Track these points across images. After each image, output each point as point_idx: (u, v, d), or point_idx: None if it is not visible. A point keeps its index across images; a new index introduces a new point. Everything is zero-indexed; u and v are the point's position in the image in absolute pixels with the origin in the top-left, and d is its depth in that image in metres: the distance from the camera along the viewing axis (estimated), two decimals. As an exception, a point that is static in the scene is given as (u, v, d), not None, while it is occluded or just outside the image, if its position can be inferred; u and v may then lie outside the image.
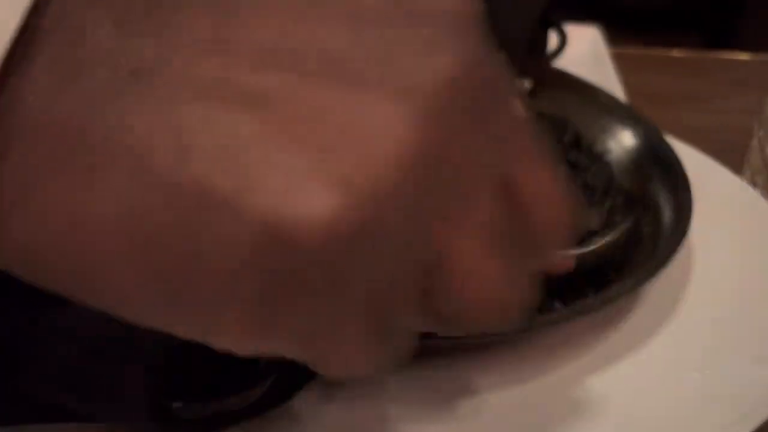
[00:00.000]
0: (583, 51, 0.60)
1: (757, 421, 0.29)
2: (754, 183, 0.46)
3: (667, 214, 0.37)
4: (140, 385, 0.21)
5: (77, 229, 0.15)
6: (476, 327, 0.20)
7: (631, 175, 0.42)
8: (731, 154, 0.47)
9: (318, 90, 0.16)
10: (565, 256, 0.27)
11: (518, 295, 0.19)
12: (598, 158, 0.45)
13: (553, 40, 0.56)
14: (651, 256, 0.34)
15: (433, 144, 0.16)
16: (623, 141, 0.44)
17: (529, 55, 0.54)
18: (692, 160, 0.41)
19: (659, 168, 0.40)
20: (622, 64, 0.68)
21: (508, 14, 0.55)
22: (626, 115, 0.45)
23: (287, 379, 0.27)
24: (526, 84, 0.50)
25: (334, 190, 0.15)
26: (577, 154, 0.45)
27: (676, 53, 0.79)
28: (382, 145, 0.15)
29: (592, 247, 0.35)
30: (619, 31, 0.74)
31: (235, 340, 0.17)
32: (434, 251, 0.17)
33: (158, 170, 0.15)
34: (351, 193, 0.15)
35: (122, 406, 0.21)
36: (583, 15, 0.64)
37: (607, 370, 0.32)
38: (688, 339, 0.33)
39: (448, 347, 0.32)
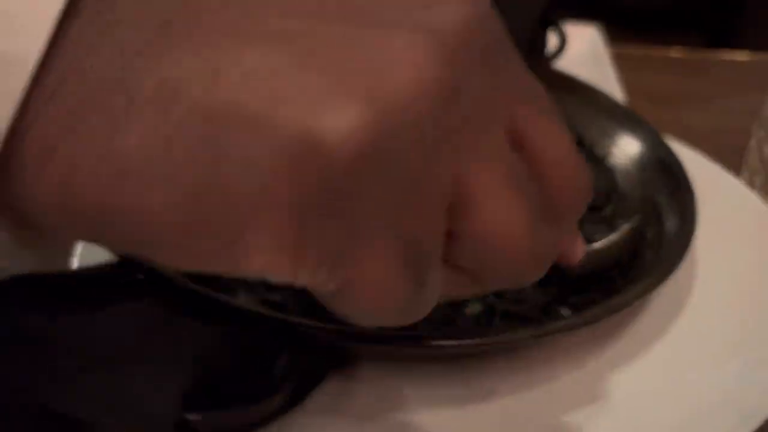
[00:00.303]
0: (583, 51, 0.61)
1: (756, 424, 0.29)
2: (752, 184, 0.47)
3: (670, 218, 0.37)
4: (162, 399, 0.21)
5: (114, 161, 0.16)
6: (501, 281, 0.21)
7: (633, 180, 0.42)
8: (730, 155, 0.47)
9: (341, 28, 0.17)
10: (578, 244, 0.26)
11: (542, 249, 0.20)
12: (600, 161, 0.45)
13: (552, 40, 0.56)
14: (657, 261, 0.34)
15: (450, 75, 0.17)
16: (624, 145, 0.44)
17: (529, 56, 0.55)
18: (691, 162, 0.41)
19: (661, 172, 0.41)
20: (622, 64, 0.68)
21: (508, 14, 0.56)
22: (627, 118, 0.45)
23: (302, 385, 0.27)
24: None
25: (361, 103, 0.16)
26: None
27: (675, 53, 0.80)
28: (403, 69, 0.17)
29: (595, 246, 0.36)
30: (619, 30, 0.74)
31: (269, 262, 0.17)
32: (455, 181, 0.18)
33: (190, 100, 0.16)
34: (375, 106, 0.16)
35: (141, 420, 0.22)
36: (582, 14, 0.64)
37: (612, 375, 0.32)
38: (692, 342, 0.34)
39: (456, 353, 0.32)
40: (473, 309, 0.34)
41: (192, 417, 0.22)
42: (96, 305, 0.25)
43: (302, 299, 0.33)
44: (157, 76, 0.16)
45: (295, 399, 0.27)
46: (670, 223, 0.37)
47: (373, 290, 0.18)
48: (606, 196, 0.42)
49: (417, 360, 0.32)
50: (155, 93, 0.16)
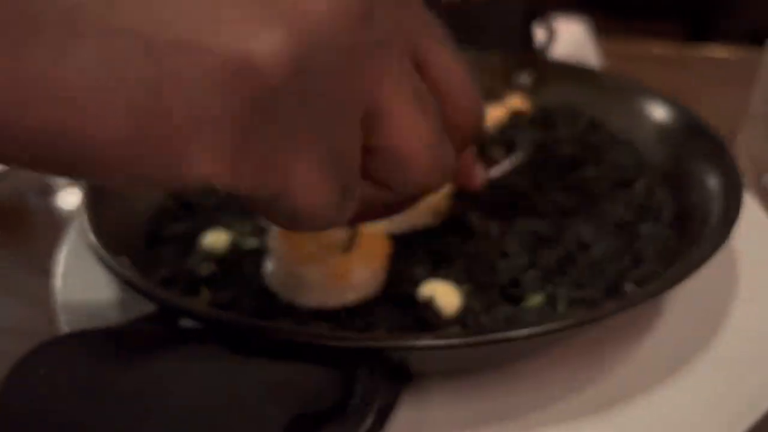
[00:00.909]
0: (569, 46, 0.60)
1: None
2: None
3: (711, 179, 0.36)
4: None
5: (55, 86, 0.17)
6: (409, 188, 0.23)
7: (663, 152, 0.41)
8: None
9: None
10: (478, 169, 0.32)
11: (442, 161, 0.23)
12: (619, 139, 0.44)
13: (540, 34, 0.56)
14: (710, 227, 0.33)
15: (362, 3, 0.20)
16: (644, 118, 0.43)
17: (522, 49, 0.54)
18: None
19: (690, 137, 0.40)
20: (607, 60, 0.68)
21: (497, 9, 0.56)
22: (641, 93, 0.44)
23: (382, 409, 0.25)
24: (526, 78, 0.49)
25: (284, 27, 0.18)
26: (597, 136, 0.44)
27: (657, 49, 0.81)
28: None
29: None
30: (601, 20, 0.75)
31: (210, 171, 0.19)
32: (369, 96, 0.21)
33: (131, 28, 0.17)
34: (297, 28, 0.18)
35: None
36: (565, 5, 0.64)
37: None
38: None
39: (524, 347, 0.30)
40: (534, 301, 0.32)
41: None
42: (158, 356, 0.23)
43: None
44: (101, 5, 0.17)
45: (378, 424, 0.25)
46: (713, 183, 0.36)
47: (304, 195, 0.20)
48: (635, 171, 0.41)
49: (486, 366, 0.31)
50: (97, 19, 0.17)
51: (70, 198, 0.48)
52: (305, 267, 0.33)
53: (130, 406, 0.20)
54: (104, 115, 0.17)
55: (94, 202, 0.35)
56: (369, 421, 0.22)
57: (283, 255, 0.33)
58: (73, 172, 0.19)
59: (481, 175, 0.33)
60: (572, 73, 0.48)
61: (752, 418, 0.28)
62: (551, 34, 0.55)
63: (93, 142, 0.18)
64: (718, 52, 0.81)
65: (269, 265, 0.34)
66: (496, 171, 0.41)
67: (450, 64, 0.24)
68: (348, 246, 0.33)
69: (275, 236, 0.34)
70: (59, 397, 0.20)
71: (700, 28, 0.87)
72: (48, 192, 0.49)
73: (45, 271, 0.36)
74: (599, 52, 0.68)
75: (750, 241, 0.37)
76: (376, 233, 0.34)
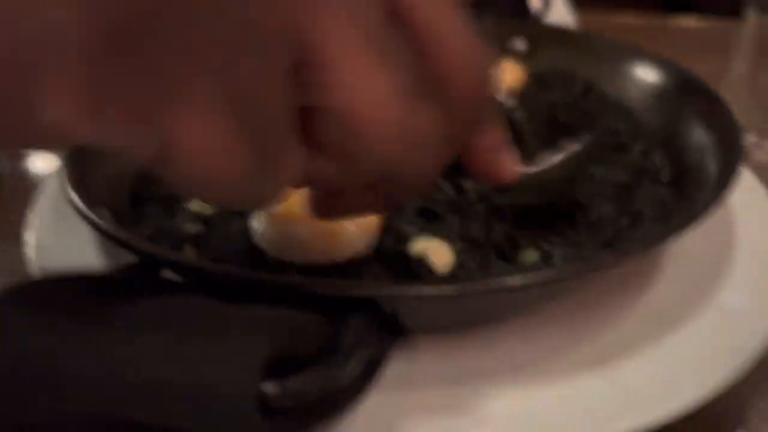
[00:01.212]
0: (551, 17, 0.59)
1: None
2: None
3: (711, 134, 0.35)
4: (237, 373, 0.18)
5: None
6: (371, 163, 0.18)
7: (658, 114, 0.41)
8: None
9: None
10: (505, 160, 0.24)
11: (420, 130, 0.18)
12: (615, 103, 0.43)
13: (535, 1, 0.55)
14: (708, 181, 0.32)
15: None
16: (639, 81, 0.42)
17: (516, 15, 0.53)
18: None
19: (687, 94, 0.39)
20: (584, 30, 0.68)
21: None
22: (637, 55, 0.43)
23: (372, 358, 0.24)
24: (521, 44, 0.48)
25: None
26: (591, 103, 0.44)
27: (632, 19, 0.81)
28: None
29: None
30: None
31: (62, 115, 0.15)
32: (301, 36, 0.16)
33: None
34: None
35: (219, 402, 0.18)
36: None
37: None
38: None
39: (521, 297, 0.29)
40: (528, 258, 0.31)
41: (270, 390, 0.19)
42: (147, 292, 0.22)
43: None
44: None
45: (368, 374, 0.24)
46: (710, 141, 0.35)
47: (203, 156, 0.16)
48: (631, 134, 0.40)
49: (480, 321, 0.30)
50: None
51: (40, 163, 0.47)
52: (294, 224, 0.32)
53: (110, 345, 0.19)
54: None
55: (75, 160, 0.34)
56: (356, 369, 0.21)
57: (271, 212, 0.32)
58: None
59: (512, 166, 0.25)
60: (567, 38, 0.47)
61: (745, 363, 0.28)
62: (548, 1, 0.54)
63: None
64: (693, 22, 0.81)
65: (257, 223, 0.33)
66: (538, 164, 0.32)
67: (439, 8, 0.19)
68: None
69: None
70: (35, 335, 0.19)
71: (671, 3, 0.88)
72: (17, 157, 0.47)
73: (16, 238, 0.35)
74: (577, 22, 0.67)
75: (741, 201, 0.36)
76: None
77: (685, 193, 0.34)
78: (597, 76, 0.45)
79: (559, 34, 0.48)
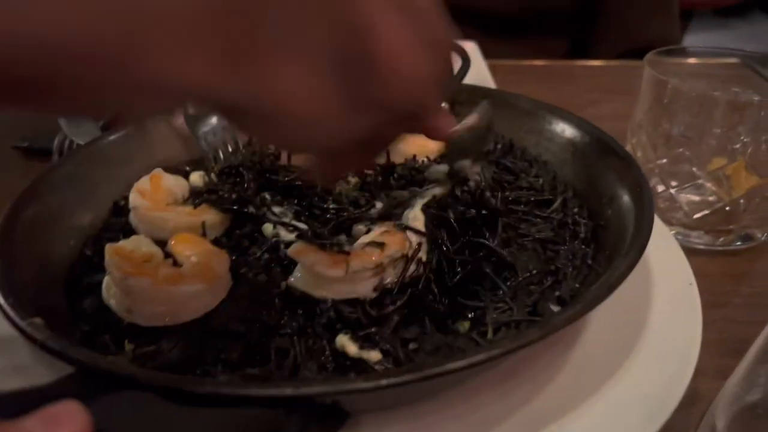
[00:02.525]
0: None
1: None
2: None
3: (624, 194, 0.37)
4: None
5: None
6: (401, 99, 0.23)
7: (572, 168, 0.43)
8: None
9: None
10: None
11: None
12: (536, 159, 0.45)
13: (456, 61, 0.57)
14: (628, 239, 0.34)
15: None
16: (557, 138, 0.45)
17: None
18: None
19: (601, 152, 0.41)
20: (496, 76, 0.71)
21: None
22: (552, 114, 0.46)
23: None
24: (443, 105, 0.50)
25: None
26: (513, 159, 0.46)
27: (539, 62, 0.84)
28: None
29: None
30: (486, 41, 0.78)
31: (199, 74, 0.19)
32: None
33: None
34: None
35: None
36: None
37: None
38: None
39: (458, 378, 0.30)
40: (463, 326, 0.33)
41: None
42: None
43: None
44: None
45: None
46: (624, 200, 0.37)
47: (306, 99, 0.21)
48: (552, 189, 0.42)
49: (420, 398, 0.31)
50: None
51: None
52: (135, 278, 0.33)
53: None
54: (86, 21, 0.17)
55: (5, 253, 0.34)
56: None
57: (113, 267, 0.34)
58: (58, 85, 0.18)
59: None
60: (486, 97, 0.49)
61: (671, 406, 0.29)
62: (467, 62, 0.56)
63: (78, 47, 0.18)
64: (599, 62, 0.87)
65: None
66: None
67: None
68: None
69: (109, 252, 0.35)
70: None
71: (580, 47, 0.93)
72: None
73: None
74: (488, 68, 0.70)
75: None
76: (216, 251, 0.36)
77: (604, 248, 0.36)
78: (517, 134, 0.47)
79: (478, 93, 0.49)
